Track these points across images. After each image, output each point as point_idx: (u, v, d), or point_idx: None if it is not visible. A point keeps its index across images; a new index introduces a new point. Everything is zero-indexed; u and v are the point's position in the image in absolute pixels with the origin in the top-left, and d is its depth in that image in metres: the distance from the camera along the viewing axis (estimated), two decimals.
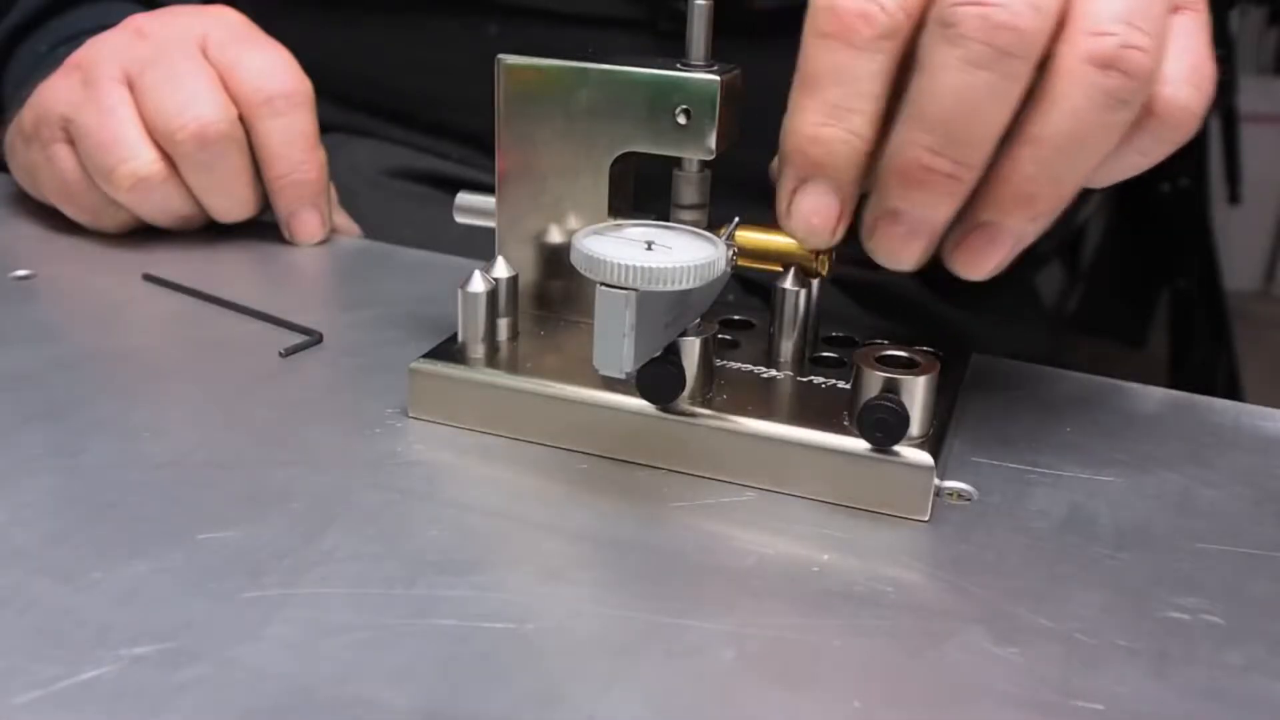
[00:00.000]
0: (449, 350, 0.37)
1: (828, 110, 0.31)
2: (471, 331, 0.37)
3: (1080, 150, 0.31)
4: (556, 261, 0.39)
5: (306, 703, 0.25)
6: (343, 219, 0.58)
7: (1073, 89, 0.30)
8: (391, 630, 0.27)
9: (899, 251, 0.32)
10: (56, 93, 0.51)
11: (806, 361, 0.38)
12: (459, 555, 0.30)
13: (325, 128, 0.58)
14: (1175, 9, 0.32)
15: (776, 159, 0.34)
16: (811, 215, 0.33)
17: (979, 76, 0.29)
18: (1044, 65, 0.30)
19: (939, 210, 0.31)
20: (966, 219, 0.32)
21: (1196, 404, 0.41)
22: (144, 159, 0.49)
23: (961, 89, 0.29)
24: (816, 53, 0.31)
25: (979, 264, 0.33)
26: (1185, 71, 0.32)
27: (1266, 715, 0.26)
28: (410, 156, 0.64)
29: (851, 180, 0.32)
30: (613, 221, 0.35)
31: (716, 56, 0.36)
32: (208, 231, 0.54)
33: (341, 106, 0.64)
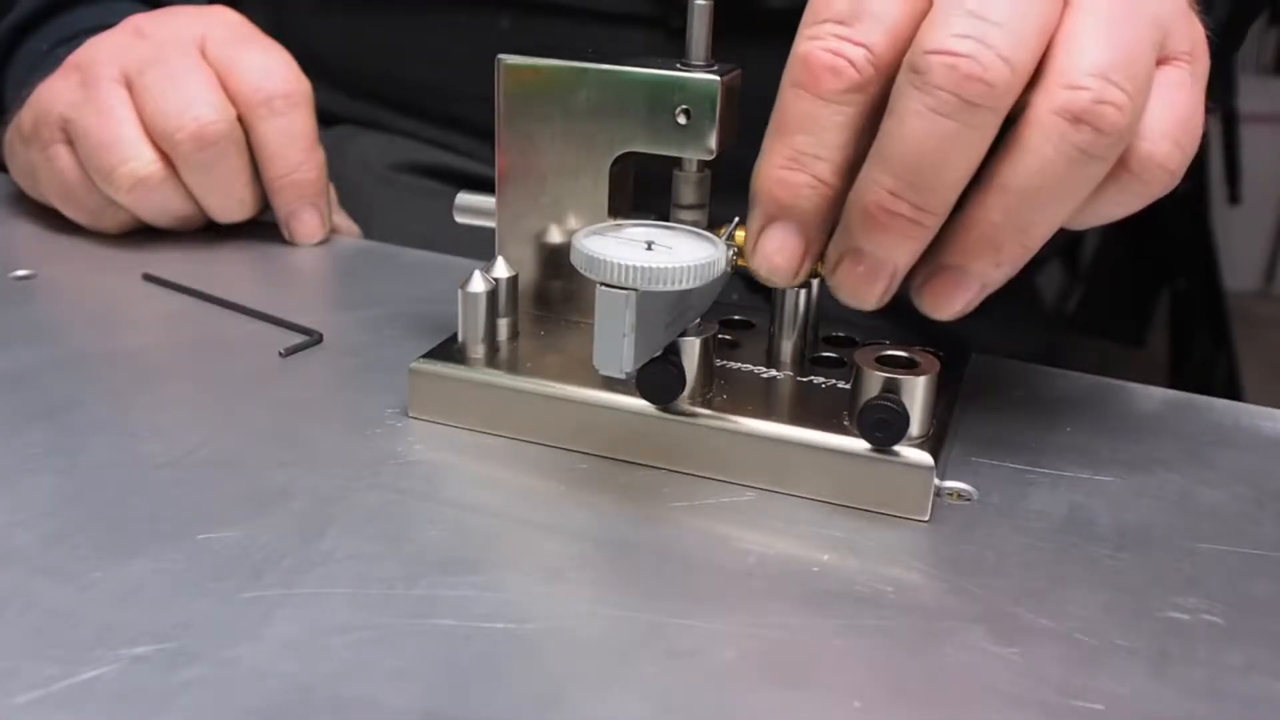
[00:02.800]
0: (449, 350, 0.37)
1: (793, 156, 0.32)
2: (471, 331, 0.37)
3: (1048, 201, 0.31)
4: (556, 261, 0.39)
5: (306, 703, 0.25)
6: (343, 219, 0.58)
7: (1043, 141, 0.30)
8: (391, 630, 0.27)
9: (859, 290, 0.33)
10: (55, 93, 0.51)
11: (806, 361, 0.38)
12: (459, 555, 0.30)
13: (335, 119, 0.57)
14: (1165, 60, 0.32)
15: None
16: (775, 254, 0.33)
17: (944, 125, 0.29)
18: (1019, 112, 0.30)
19: (899, 252, 0.31)
20: (933, 260, 0.33)
21: (1196, 404, 0.41)
22: (143, 159, 0.49)
23: (926, 136, 0.29)
24: (789, 101, 0.32)
25: (944, 306, 0.33)
26: (1166, 126, 0.31)
27: (1266, 715, 0.26)
28: (419, 150, 0.64)
29: (815, 224, 0.33)
30: (613, 221, 0.35)
31: (721, 56, 0.36)
32: (208, 231, 0.54)
33: (352, 97, 0.64)
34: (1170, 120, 0.31)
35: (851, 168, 0.32)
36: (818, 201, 0.32)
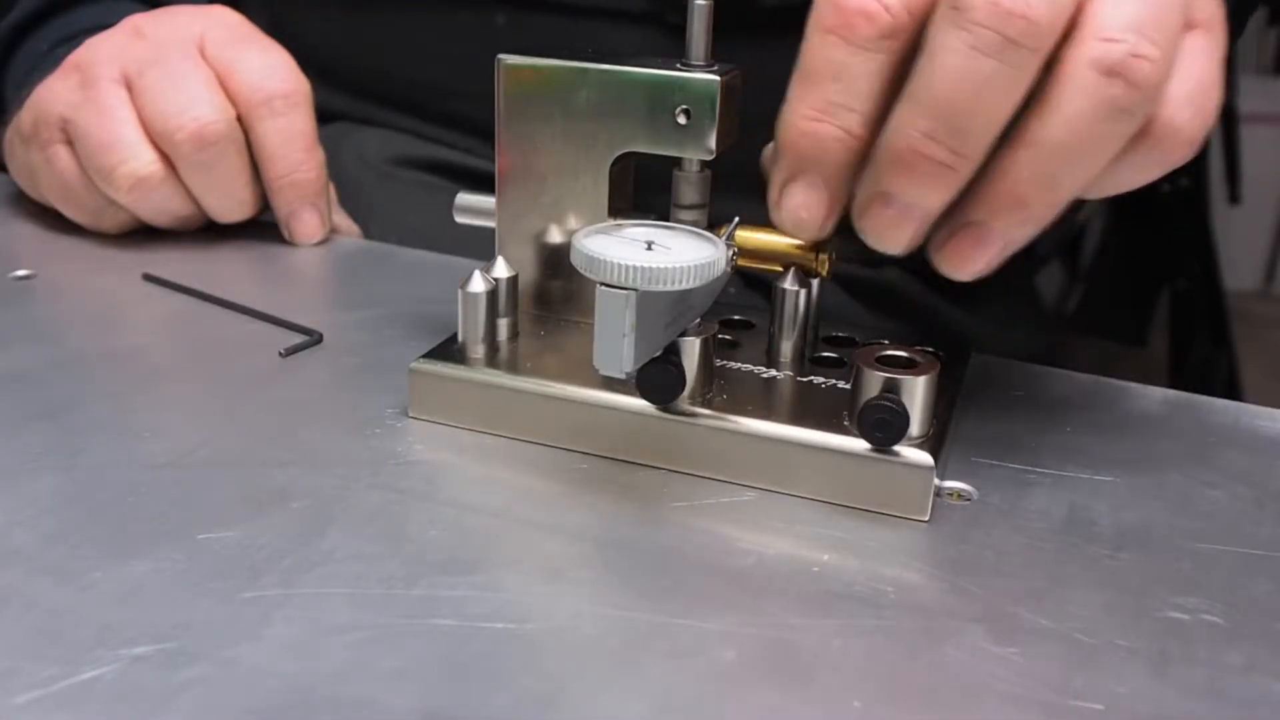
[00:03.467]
0: (449, 350, 0.37)
1: (823, 106, 0.31)
2: (471, 331, 0.37)
3: (1078, 157, 0.30)
4: (556, 261, 0.39)
5: (306, 703, 0.25)
6: (342, 219, 0.58)
7: (1075, 94, 0.29)
8: (391, 630, 0.27)
9: (887, 234, 0.32)
10: (55, 93, 0.51)
11: (806, 361, 0.38)
12: (459, 555, 0.30)
13: (333, 116, 0.57)
14: (1189, 27, 0.32)
15: (771, 147, 0.34)
16: (800, 209, 0.33)
17: (985, 64, 0.29)
18: (1049, 68, 0.30)
19: (931, 197, 0.31)
20: (956, 216, 0.32)
21: (1196, 404, 0.41)
22: (143, 160, 0.49)
23: (965, 75, 0.29)
24: (817, 47, 0.31)
25: (965, 264, 0.32)
26: (1188, 93, 0.31)
27: (1266, 715, 0.26)
28: (417, 145, 0.64)
29: (841, 177, 0.32)
30: (613, 221, 0.35)
31: (720, 55, 0.36)
32: (208, 231, 0.54)
33: (350, 96, 0.64)
34: (1191, 87, 0.31)
35: (881, 120, 0.31)
36: (846, 156, 0.31)
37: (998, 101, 0.29)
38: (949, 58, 0.29)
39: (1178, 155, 0.32)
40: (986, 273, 0.33)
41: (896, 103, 0.30)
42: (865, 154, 0.32)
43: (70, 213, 0.53)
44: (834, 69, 0.31)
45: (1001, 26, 0.28)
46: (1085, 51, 0.29)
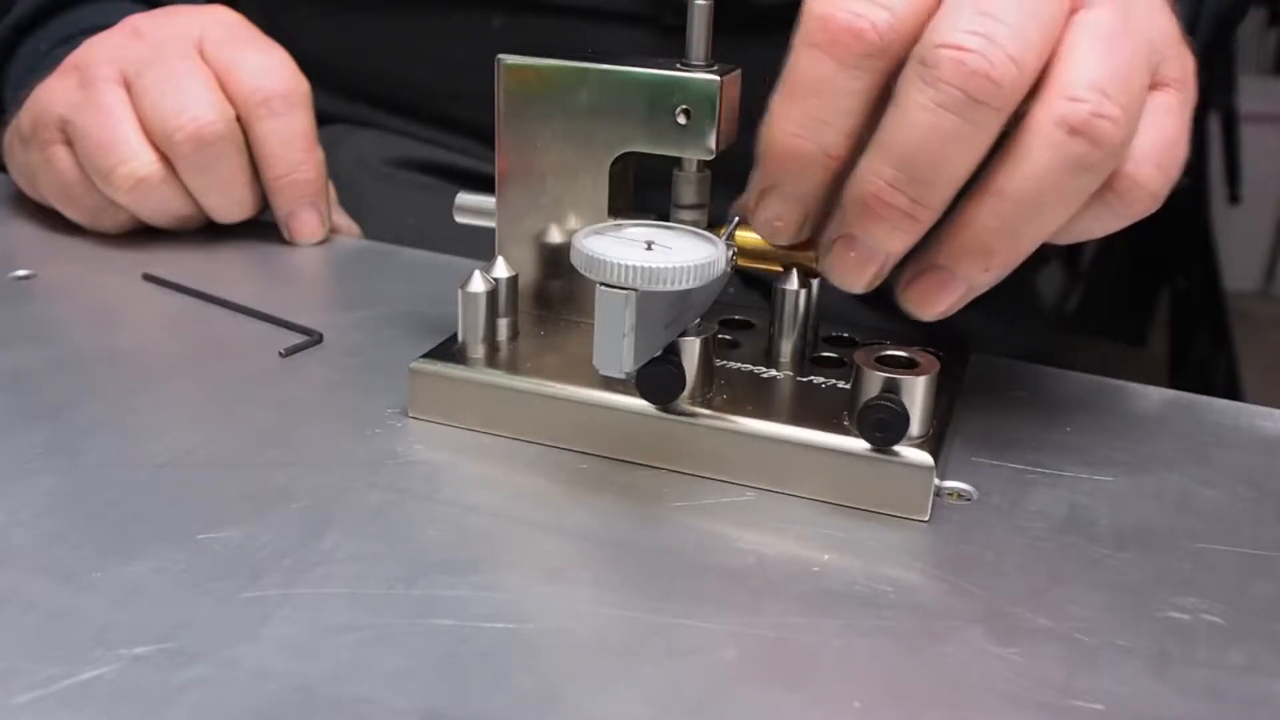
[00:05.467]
0: (449, 350, 0.37)
1: (803, 121, 0.32)
2: (471, 331, 0.37)
3: (1041, 209, 0.31)
4: (556, 261, 0.39)
5: (306, 703, 0.25)
6: (342, 219, 0.58)
7: (1040, 149, 0.30)
8: (391, 630, 0.27)
9: (849, 275, 0.33)
10: (54, 94, 0.51)
11: (806, 361, 0.38)
12: (459, 555, 0.30)
13: (328, 119, 0.57)
14: (1159, 85, 0.33)
15: (743, 198, 0.34)
16: (775, 219, 0.34)
17: (948, 120, 0.29)
18: (1017, 120, 0.31)
19: (892, 242, 0.32)
20: (922, 259, 0.33)
21: (1196, 404, 0.41)
22: (142, 160, 0.49)
23: (929, 130, 0.30)
24: (802, 62, 0.31)
25: (928, 306, 0.33)
26: (1151, 150, 0.32)
27: (1266, 715, 0.26)
28: (414, 147, 0.64)
29: (816, 192, 0.33)
30: (613, 221, 0.35)
31: (717, 55, 0.36)
32: (207, 231, 0.54)
33: (345, 99, 0.64)
34: (1156, 144, 0.32)
35: (859, 141, 0.32)
36: (822, 174, 0.32)
37: (960, 156, 0.30)
38: (915, 112, 0.30)
39: (1140, 209, 0.33)
40: (950, 314, 0.34)
41: (866, 151, 0.31)
42: (841, 174, 0.32)
43: (70, 213, 0.53)
44: (818, 85, 0.31)
45: (966, 85, 0.29)
46: (1051, 109, 0.30)
